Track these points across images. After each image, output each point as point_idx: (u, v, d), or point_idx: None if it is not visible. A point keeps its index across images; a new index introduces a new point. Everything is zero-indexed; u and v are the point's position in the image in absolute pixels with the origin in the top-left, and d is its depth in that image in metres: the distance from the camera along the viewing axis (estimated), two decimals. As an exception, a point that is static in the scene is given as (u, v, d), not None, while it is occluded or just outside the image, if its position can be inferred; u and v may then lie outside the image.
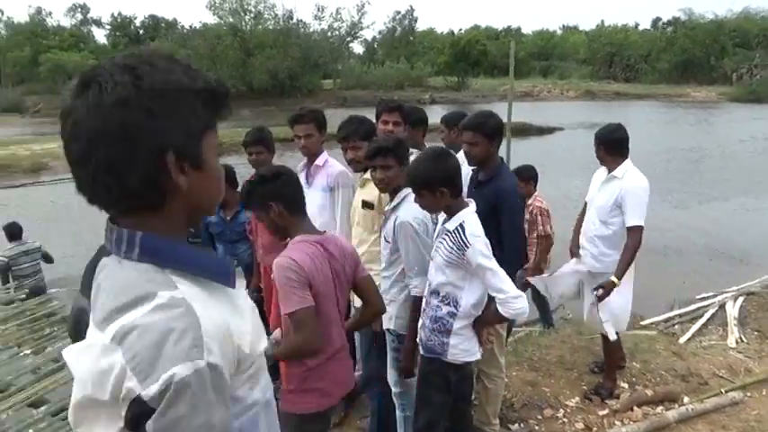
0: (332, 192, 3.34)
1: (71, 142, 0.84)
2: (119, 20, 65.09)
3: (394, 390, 2.86)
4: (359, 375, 3.58)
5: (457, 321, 2.42)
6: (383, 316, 2.79)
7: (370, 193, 2.96)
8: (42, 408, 3.44)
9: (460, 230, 2.32)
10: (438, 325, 2.43)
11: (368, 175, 3.00)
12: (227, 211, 3.90)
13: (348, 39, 55.71)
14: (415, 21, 68.32)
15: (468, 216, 2.38)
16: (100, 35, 65.44)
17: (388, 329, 2.78)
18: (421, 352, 2.55)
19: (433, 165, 2.37)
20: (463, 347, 2.45)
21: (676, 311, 5.97)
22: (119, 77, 0.82)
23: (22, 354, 4.07)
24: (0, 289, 5.76)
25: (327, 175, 3.34)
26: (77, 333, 1.54)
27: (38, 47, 51.41)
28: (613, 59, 60.88)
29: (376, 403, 3.10)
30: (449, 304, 2.42)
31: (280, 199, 2.17)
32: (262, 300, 3.63)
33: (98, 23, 66.67)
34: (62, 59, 48.13)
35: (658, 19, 74.00)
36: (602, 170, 3.74)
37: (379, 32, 69.66)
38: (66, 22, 62.81)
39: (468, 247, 2.28)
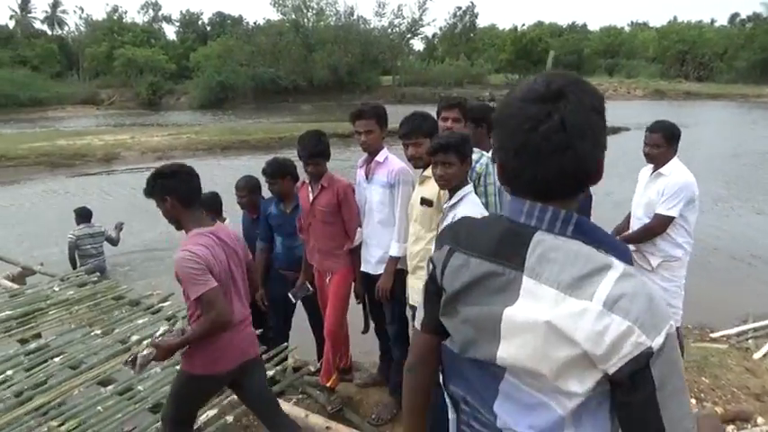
0: (391, 188, 3.33)
1: (553, 135, 0.99)
2: (187, 17, 67.60)
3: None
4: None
5: None
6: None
7: (430, 190, 2.93)
8: (110, 387, 3.61)
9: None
10: None
11: (428, 172, 2.97)
12: (287, 204, 3.95)
13: (408, 35, 55.66)
14: (476, 17, 67.52)
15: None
16: (170, 31, 68.23)
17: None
18: None
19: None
20: None
21: (751, 325, 5.62)
22: (586, 90, 1.03)
23: (92, 334, 4.28)
24: (73, 272, 6.08)
25: (387, 171, 3.32)
26: None
27: (113, 42, 54.07)
28: (685, 57, 58.13)
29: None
30: None
31: (173, 193, 2.48)
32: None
33: (168, 20, 69.63)
34: (134, 55, 50.46)
35: (736, 14, 70.25)
36: (648, 168, 3.65)
37: (440, 29, 69.36)
38: (140, 19, 65.88)
39: None
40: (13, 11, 64.15)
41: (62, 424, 3.14)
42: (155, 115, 41.28)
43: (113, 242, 7.28)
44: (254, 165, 13.49)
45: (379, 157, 3.35)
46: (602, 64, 62.79)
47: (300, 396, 3.71)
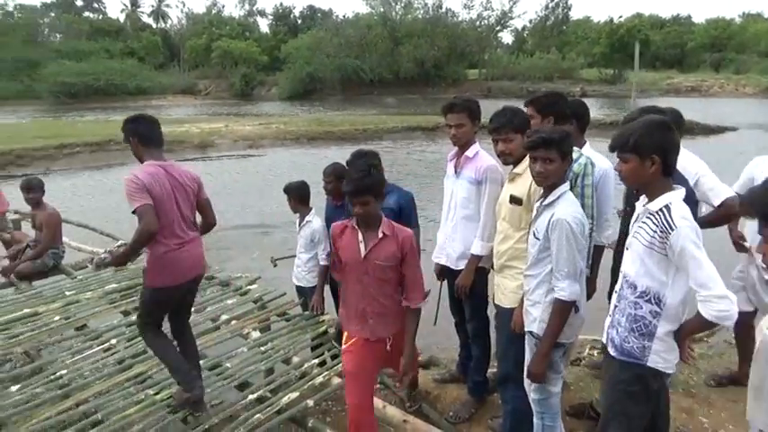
0: (478, 185, 3.26)
1: None
2: (280, 10, 69.88)
3: (532, 396, 2.74)
4: (493, 373, 3.51)
5: (662, 324, 2.15)
6: (526, 317, 2.68)
7: (519, 188, 2.85)
8: (201, 361, 3.81)
9: (665, 212, 2.07)
10: (638, 326, 2.18)
11: (518, 169, 2.88)
12: (337, 199, 4.02)
13: (497, 28, 54.60)
14: (570, 9, 64.86)
15: (676, 198, 2.12)
16: (263, 25, 70.82)
17: (530, 332, 2.66)
18: (613, 355, 2.29)
19: (654, 130, 2.14)
20: (666, 356, 2.18)
21: None
22: None
23: (186, 311, 4.54)
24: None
25: (476, 168, 3.26)
26: None
27: (211, 35, 56.96)
28: (806, 52, 52.92)
29: (510, 407, 3.00)
30: (650, 301, 2.16)
31: (136, 135, 3.15)
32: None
33: (262, 14, 72.34)
34: (230, 47, 52.91)
35: None
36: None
37: (530, 21, 67.30)
38: (236, 13, 68.94)
39: (672, 231, 2.04)
40: (125, 5, 69.33)
41: (158, 393, 3.36)
42: (247, 105, 43.14)
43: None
44: (339, 155, 13.79)
45: (470, 152, 3.29)
46: (706, 59, 58.47)
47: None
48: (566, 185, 2.54)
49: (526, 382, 2.74)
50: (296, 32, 61.16)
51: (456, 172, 3.37)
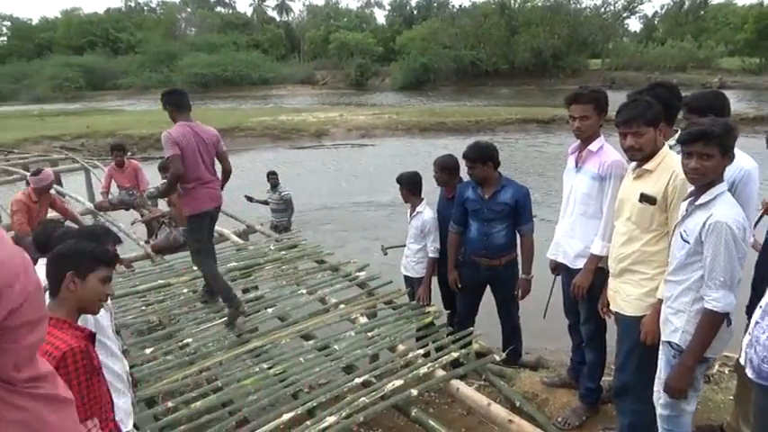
0: (601, 181, 3.06)
1: None
2: (397, 1, 70.41)
3: (662, 411, 2.52)
4: (608, 382, 3.31)
5: None
6: (663, 326, 2.46)
7: (653, 186, 2.61)
8: (311, 341, 3.97)
9: None
10: None
11: (649, 165, 2.65)
12: (486, 189, 3.89)
13: (624, 15, 51.13)
14: (710, -8, 59.09)
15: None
16: (380, 16, 71.91)
17: (668, 342, 2.44)
18: (751, 377, 2.07)
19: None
20: None
21: None
22: None
23: (299, 292, 4.75)
24: (286, 235, 6.79)
25: (600, 162, 3.05)
26: None
27: (329, 27, 58.86)
28: None
29: (627, 421, 2.80)
30: None
31: (171, 104, 4.12)
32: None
33: (379, 5, 73.39)
34: (347, 38, 54.33)
35: None
36: None
37: (662, 7, 62.28)
38: (353, 5, 70.60)
39: None
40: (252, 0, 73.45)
41: (271, 367, 3.55)
42: (361, 95, 44.15)
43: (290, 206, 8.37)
44: (452, 146, 13.70)
45: (593, 146, 3.09)
46: None
47: (483, 383, 3.69)
48: (724, 185, 2.28)
49: (657, 396, 2.53)
50: (411, 23, 61.39)
51: (577, 166, 3.19)
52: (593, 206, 3.10)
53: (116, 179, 7.47)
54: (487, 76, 47.31)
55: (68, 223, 5.41)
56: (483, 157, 3.81)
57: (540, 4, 49.73)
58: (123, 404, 2.43)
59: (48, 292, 1.96)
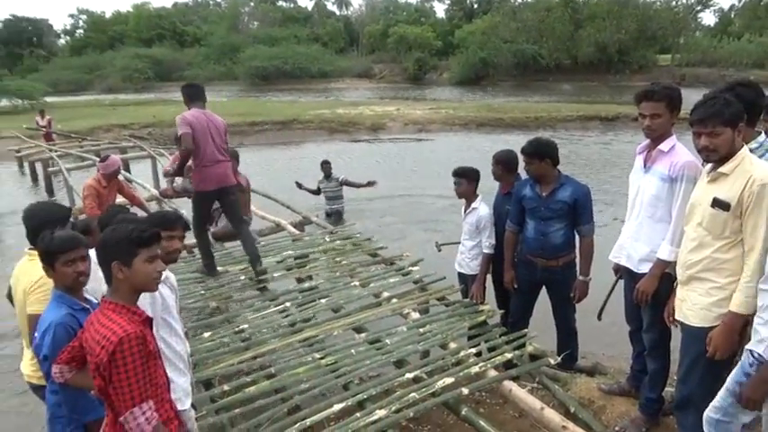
0: (672, 183, 2.91)
1: None
2: (457, -6, 69.64)
3: (712, 415, 2.38)
4: (671, 393, 3.17)
5: None
6: (753, 334, 2.32)
7: (727, 191, 2.46)
8: (362, 334, 3.99)
9: None
10: None
11: (725, 168, 2.49)
12: (544, 187, 3.79)
13: (698, 8, 48.64)
14: (796, -17, 55.25)
15: None
16: (439, 9, 71.29)
17: (749, 350, 2.30)
18: None
19: None
20: None
21: None
22: None
23: (352, 284, 4.78)
24: (340, 227, 6.86)
25: (671, 163, 2.90)
26: None
27: (388, 21, 58.89)
28: None
29: (689, 434, 2.68)
30: None
31: (187, 95, 4.72)
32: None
33: (439, -1, 72.69)
34: (406, 32, 54.20)
35: None
36: None
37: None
38: (413, -1, 70.17)
39: None
40: (314, -6, 74.42)
41: (323, 357, 3.59)
42: (418, 89, 44.02)
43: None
44: (512, 142, 13.46)
45: (664, 146, 2.94)
46: None
47: (536, 386, 3.60)
48: None
49: (717, 401, 2.40)
50: (471, 17, 60.60)
51: (645, 166, 3.05)
52: (662, 209, 2.96)
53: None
54: (548, 72, 46.13)
55: (134, 209, 5.66)
56: (540, 152, 3.71)
57: (606, -2, 47.99)
58: (183, 383, 2.52)
59: (104, 280, 2.05)
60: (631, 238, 3.12)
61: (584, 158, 14.78)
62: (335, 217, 8.98)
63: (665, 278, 2.93)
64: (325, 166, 9.01)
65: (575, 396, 3.45)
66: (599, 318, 3.54)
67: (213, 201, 4.93)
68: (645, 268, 3.01)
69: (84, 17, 78.81)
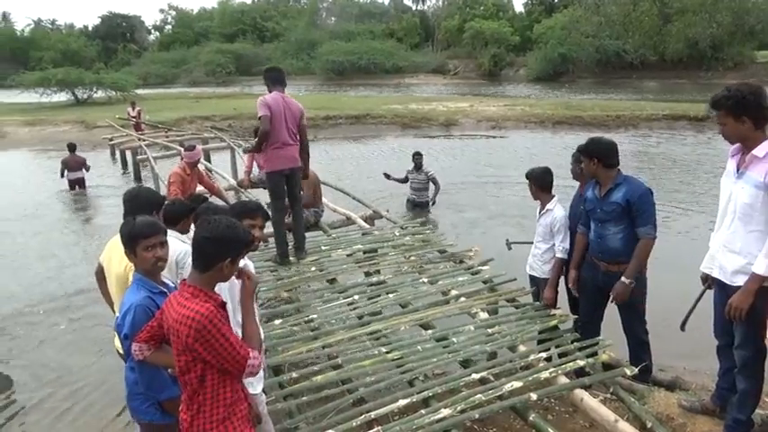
0: (767, 190, 2.69)
1: None
2: (536, -12, 67.66)
3: None
4: (761, 417, 2.94)
5: None
6: None
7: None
8: (429, 331, 3.97)
9: None
10: None
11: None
12: (602, 188, 3.63)
13: (804, 0, 44.66)
14: None
15: None
16: (518, 4, 69.59)
17: None
18: None
19: None
20: None
21: None
22: None
23: (420, 280, 4.76)
24: (410, 222, 6.85)
25: (767, 170, 2.68)
26: None
27: (464, 16, 58.08)
28: None
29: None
30: None
31: (269, 79, 4.97)
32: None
33: (519, -7, 70.98)
34: (482, 27, 53.25)
35: None
36: None
37: None
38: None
39: None
40: (391, -12, 74.60)
41: (389, 352, 3.59)
42: (493, 86, 43.24)
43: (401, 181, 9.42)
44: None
45: (758, 151, 2.71)
46: None
47: (609, 396, 3.44)
48: None
49: None
50: (551, 11, 58.71)
51: (738, 171, 2.83)
52: (758, 218, 2.74)
53: (257, 160, 8.00)
54: (632, 69, 43.94)
55: (213, 198, 5.89)
56: (588, 151, 3.64)
57: (699, -10, 45.05)
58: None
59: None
60: (724, 248, 2.90)
61: (668, 160, 13.98)
62: (420, 209, 9.12)
63: (762, 292, 2.71)
64: (417, 157, 9.13)
65: (652, 411, 3.27)
66: (682, 328, 3.33)
67: (283, 180, 5.07)
68: (739, 281, 2.79)
69: (173, 13, 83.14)
